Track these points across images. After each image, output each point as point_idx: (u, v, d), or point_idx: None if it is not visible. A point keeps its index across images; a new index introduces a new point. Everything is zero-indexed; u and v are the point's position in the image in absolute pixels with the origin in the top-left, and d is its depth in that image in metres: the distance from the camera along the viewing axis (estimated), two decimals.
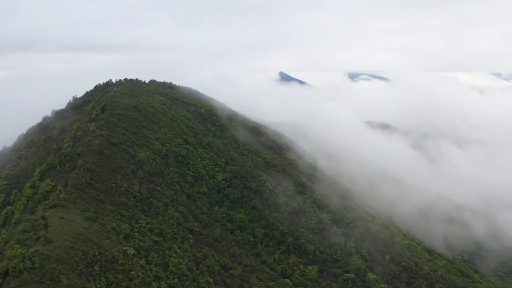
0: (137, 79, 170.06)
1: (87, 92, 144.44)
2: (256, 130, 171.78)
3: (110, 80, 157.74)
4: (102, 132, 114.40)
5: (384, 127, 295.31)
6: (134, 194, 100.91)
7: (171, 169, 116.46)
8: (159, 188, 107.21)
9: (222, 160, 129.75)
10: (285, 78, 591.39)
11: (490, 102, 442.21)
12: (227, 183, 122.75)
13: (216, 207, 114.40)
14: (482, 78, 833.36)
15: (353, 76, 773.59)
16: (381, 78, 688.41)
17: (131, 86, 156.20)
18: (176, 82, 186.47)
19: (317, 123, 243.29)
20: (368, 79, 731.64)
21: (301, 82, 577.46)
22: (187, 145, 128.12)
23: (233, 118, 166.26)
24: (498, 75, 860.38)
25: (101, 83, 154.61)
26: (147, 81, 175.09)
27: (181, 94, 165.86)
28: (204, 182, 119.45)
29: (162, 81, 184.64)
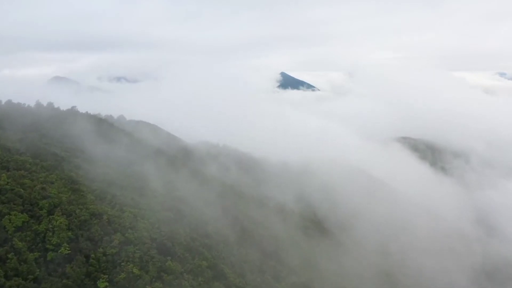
0: None
1: None
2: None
3: None
4: None
5: (402, 141, 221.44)
6: None
7: None
8: None
9: None
10: (286, 79, 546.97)
11: (500, 102, 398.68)
12: None
13: None
14: (487, 77, 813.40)
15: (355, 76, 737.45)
16: (385, 78, 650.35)
17: None
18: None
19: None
20: (372, 80, 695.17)
21: (303, 83, 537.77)
22: None
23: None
24: (503, 74, 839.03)
25: None
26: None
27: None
28: None
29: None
